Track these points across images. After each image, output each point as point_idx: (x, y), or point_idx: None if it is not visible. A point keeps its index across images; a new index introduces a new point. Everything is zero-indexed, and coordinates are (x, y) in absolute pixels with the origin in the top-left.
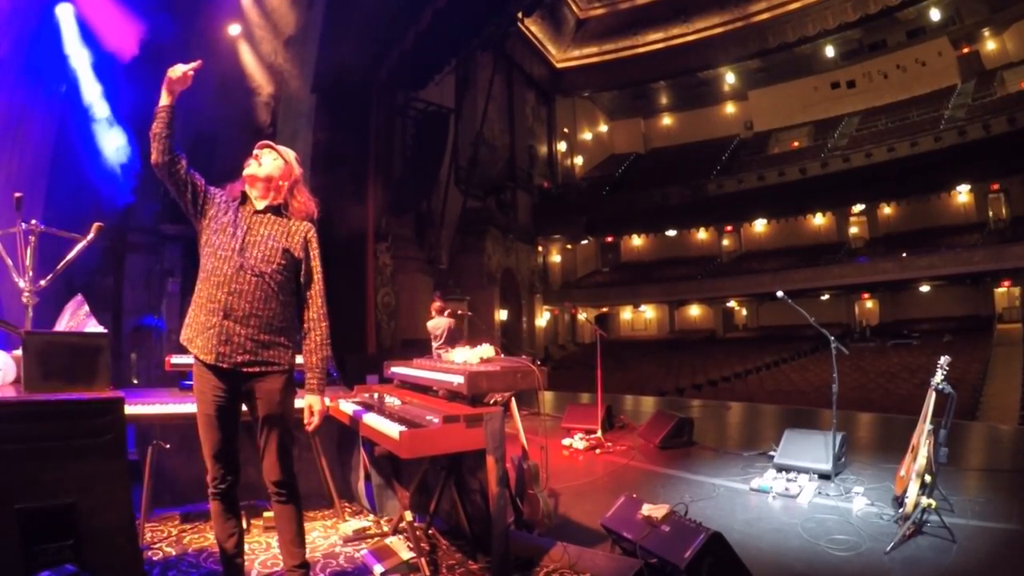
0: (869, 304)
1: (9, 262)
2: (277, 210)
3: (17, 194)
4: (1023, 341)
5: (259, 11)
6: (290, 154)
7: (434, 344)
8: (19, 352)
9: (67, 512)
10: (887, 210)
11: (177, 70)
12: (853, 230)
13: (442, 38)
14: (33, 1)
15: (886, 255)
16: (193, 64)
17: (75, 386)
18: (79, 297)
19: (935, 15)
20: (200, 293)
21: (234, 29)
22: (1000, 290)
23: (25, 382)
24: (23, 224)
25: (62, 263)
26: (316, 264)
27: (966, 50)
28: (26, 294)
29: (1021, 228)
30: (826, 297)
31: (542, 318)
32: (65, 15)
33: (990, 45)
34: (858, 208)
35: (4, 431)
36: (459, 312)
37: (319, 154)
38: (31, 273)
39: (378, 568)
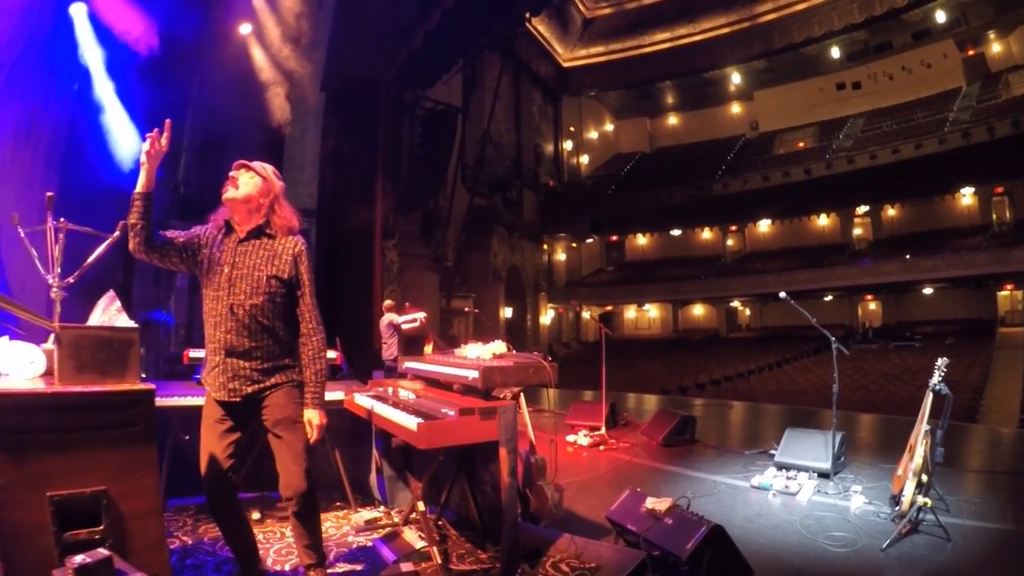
0: (872, 306)
1: (35, 255)
2: (260, 232)
3: (48, 193)
4: None
5: (270, 10)
6: (267, 169)
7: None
8: (47, 345)
9: (99, 499)
10: (891, 212)
11: (147, 145)
12: (857, 231)
13: (451, 38)
14: (47, 1)
15: (890, 257)
16: (164, 133)
17: (107, 378)
18: (111, 293)
19: (941, 17)
20: (205, 332)
21: (245, 28)
22: (1003, 293)
23: (59, 375)
24: (51, 221)
25: (89, 259)
26: (305, 278)
27: (971, 52)
28: (54, 290)
29: None
30: (829, 298)
31: (546, 316)
32: (79, 14)
33: (996, 47)
34: (862, 209)
35: (41, 421)
36: (417, 316)
37: (328, 152)
38: (59, 269)
39: (391, 556)
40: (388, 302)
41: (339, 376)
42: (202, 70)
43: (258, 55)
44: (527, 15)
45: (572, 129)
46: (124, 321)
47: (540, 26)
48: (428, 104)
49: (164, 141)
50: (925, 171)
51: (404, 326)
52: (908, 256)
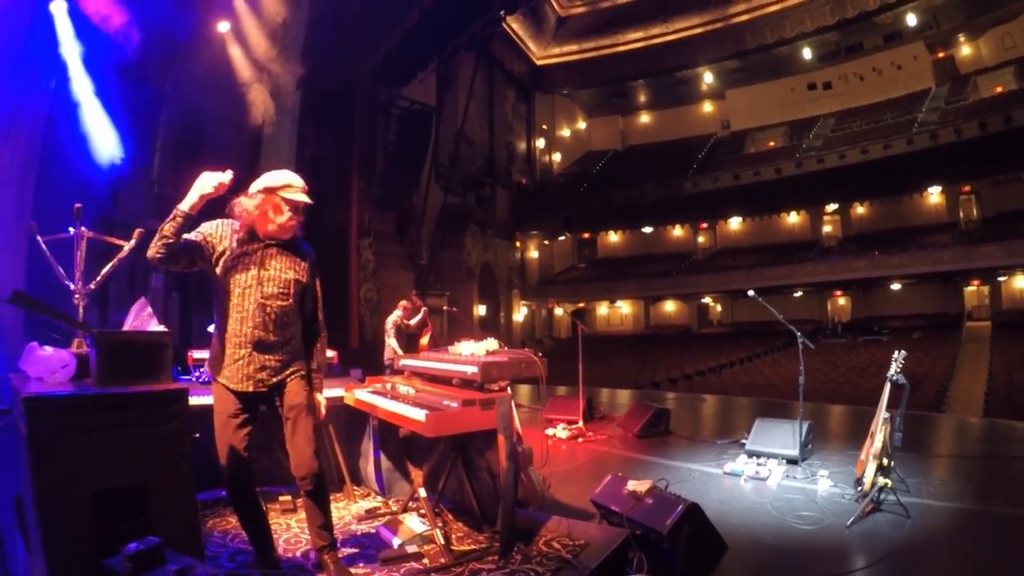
0: (841, 301)
1: (52, 259)
2: (285, 243)
3: (77, 204)
4: (990, 339)
5: (249, 8)
6: (259, 184)
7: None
8: (74, 349)
9: (140, 492)
10: (860, 210)
11: (211, 183)
12: (827, 229)
13: (428, 37)
14: None
15: (858, 254)
16: (227, 176)
17: (142, 380)
18: (143, 299)
19: (912, 20)
20: (227, 326)
21: (223, 26)
22: (970, 289)
23: (97, 377)
24: (71, 230)
25: (107, 266)
26: (316, 284)
27: (941, 55)
28: (77, 295)
29: (990, 229)
30: (799, 294)
31: (519, 313)
32: (59, 10)
33: (965, 50)
34: (832, 207)
35: (83, 421)
36: (423, 308)
37: (304, 151)
38: (80, 272)
39: (395, 540)
40: (404, 303)
41: (333, 374)
42: (178, 67)
43: (236, 53)
44: (503, 14)
45: (545, 127)
46: (155, 326)
47: (514, 24)
48: (403, 103)
49: (226, 183)
50: (893, 170)
51: (413, 321)
52: (876, 253)
